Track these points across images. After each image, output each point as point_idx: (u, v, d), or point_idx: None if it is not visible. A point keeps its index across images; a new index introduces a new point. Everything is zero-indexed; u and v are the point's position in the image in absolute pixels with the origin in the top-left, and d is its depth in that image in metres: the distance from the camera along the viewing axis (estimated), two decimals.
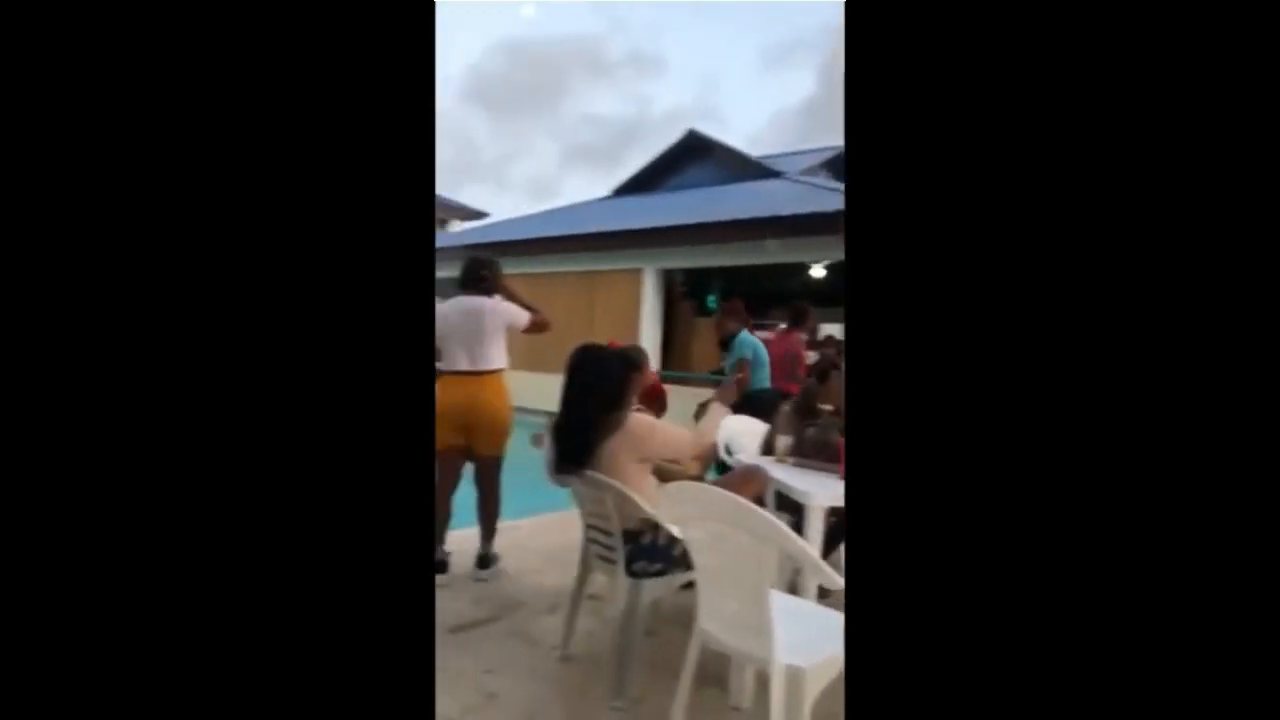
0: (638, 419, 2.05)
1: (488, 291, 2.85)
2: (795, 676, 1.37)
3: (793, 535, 1.40)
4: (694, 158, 13.54)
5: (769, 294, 11.02)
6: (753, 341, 3.97)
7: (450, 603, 2.52)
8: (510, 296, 2.92)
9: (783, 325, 4.63)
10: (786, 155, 13.53)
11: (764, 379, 3.98)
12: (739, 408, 3.65)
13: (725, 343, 4.07)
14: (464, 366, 2.74)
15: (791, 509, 2.23)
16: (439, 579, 2.70)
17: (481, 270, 2.88)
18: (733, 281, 10.24)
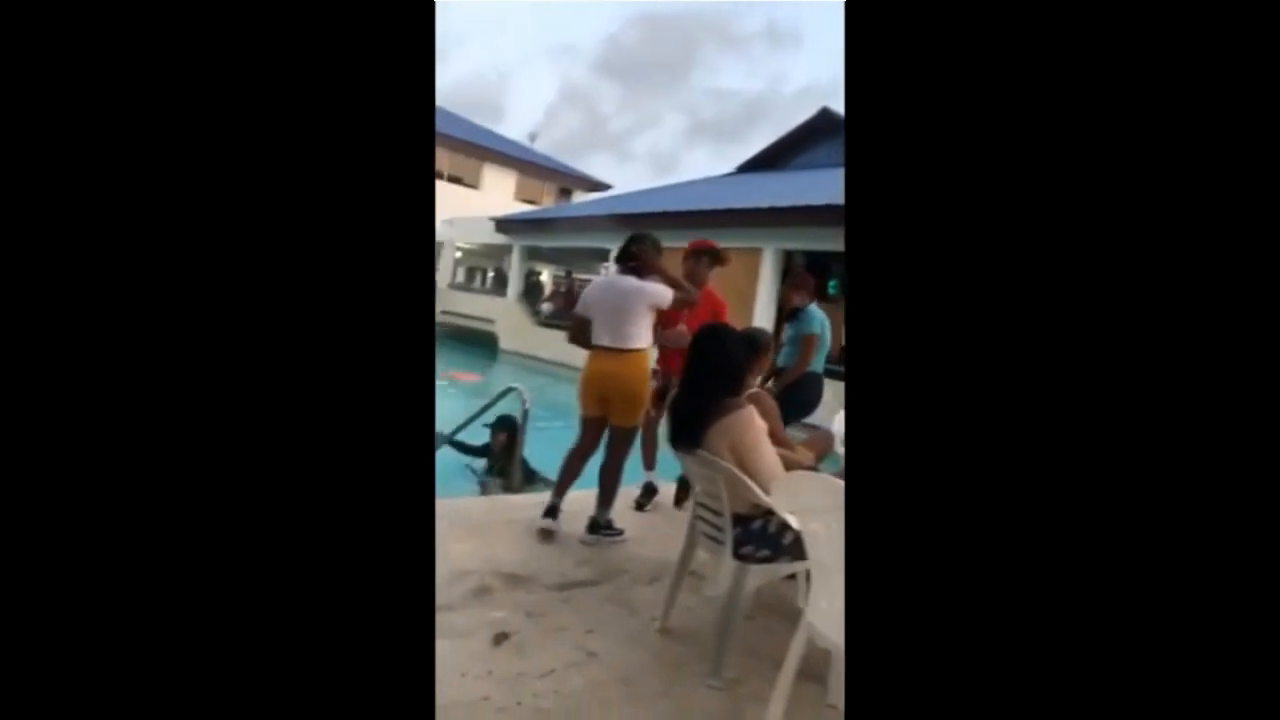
0: (748, 419, 1.98)
1: (638, 270, 2.88)
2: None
3: None
4: (825, 137, 13.02)
5: None
6: (822, 318, 3.75)
7: (555, 561, 2.62)
8: (664, 275, 2.92)
9: None
10: None
11: (823, 362, 3.76)
12: (790, 391, 3.50)
13: (792, 315, 3.87)
14: (606, 343, 2.84)
15: None
16: (548, 523, 2.83)
17: (632, 248, 2.92)
18: None
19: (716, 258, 3.29)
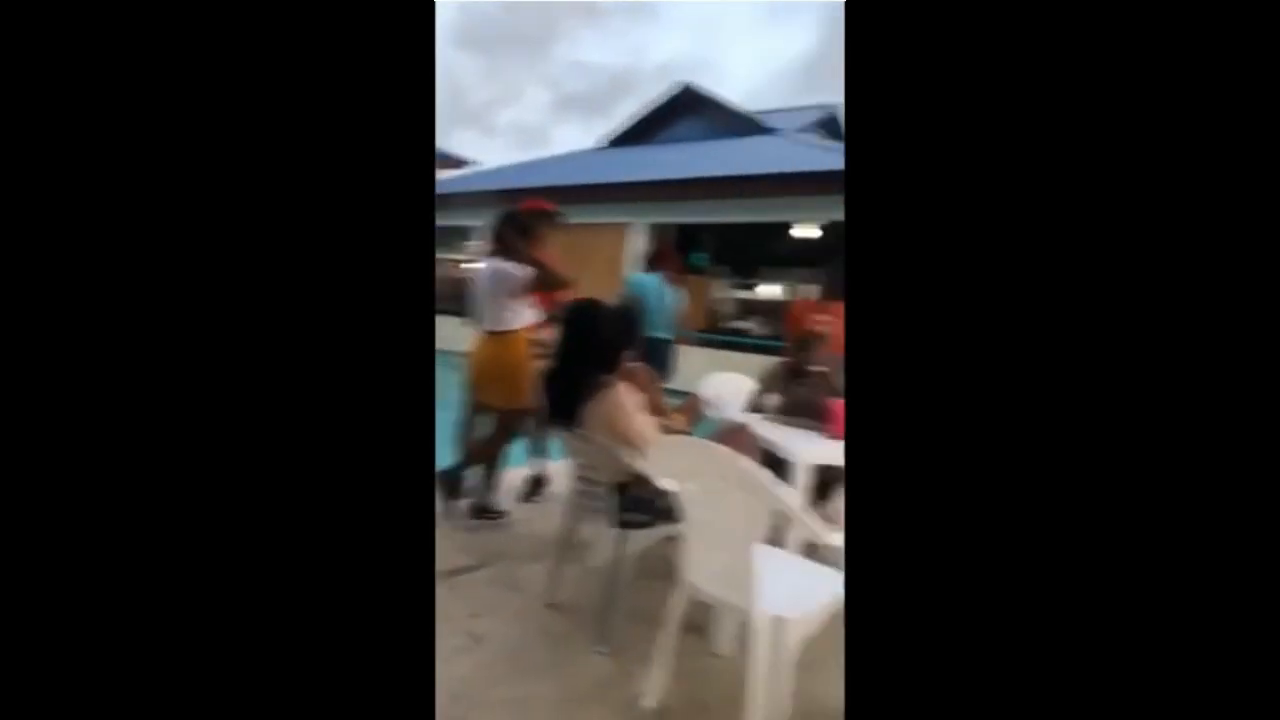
0: (620, 396, 2.01)
1: (504, 253, 2.81)
2: (779, 625, 1.41)
3: (787, 492, 1.43)
4: (687, 111, 13.27)
5: (763, 253, 10.92)
6: (646, 287, 3.87)
7: (437, 549, 2.56)
8: (524, 256, 2.80)
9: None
10: (781, 111, 13.32)
11: (651, 327, 3.85)
12: None
13: None
14: (486, 327, 2.83)
15: (774, 466, 2.28)
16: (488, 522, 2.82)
17: (498, 229, 2.86)
18: (725, 239, 10.17)
19: (547, 220, 3.12)
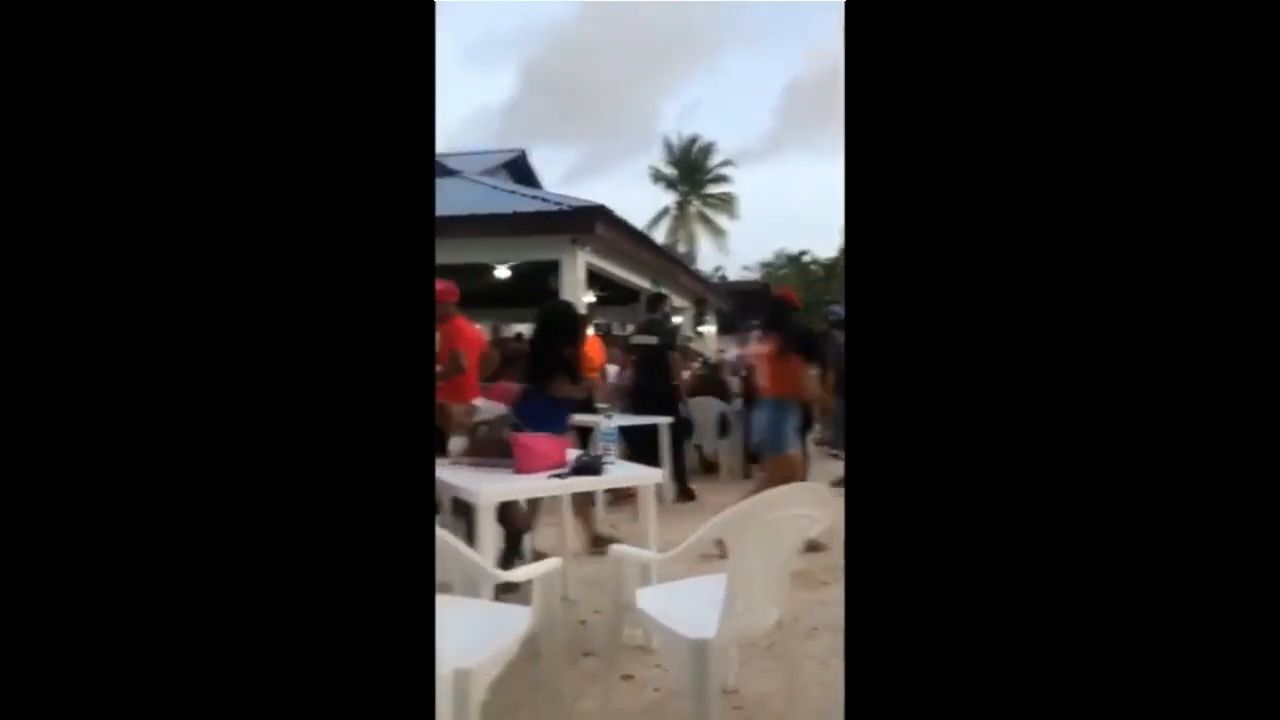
0: None
1: None
2: (462, 678, 1.40)
3: (461, 549, 1.45)
4: None
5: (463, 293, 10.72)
6: None
7: None
8: None
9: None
10: (466, 154, 13.45)
11: None
12: None
13: None
14: None
15: (461, 509, 2.28)
16: None
17: None
18: None
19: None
